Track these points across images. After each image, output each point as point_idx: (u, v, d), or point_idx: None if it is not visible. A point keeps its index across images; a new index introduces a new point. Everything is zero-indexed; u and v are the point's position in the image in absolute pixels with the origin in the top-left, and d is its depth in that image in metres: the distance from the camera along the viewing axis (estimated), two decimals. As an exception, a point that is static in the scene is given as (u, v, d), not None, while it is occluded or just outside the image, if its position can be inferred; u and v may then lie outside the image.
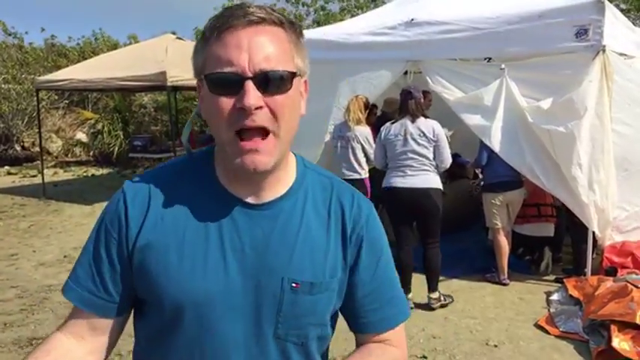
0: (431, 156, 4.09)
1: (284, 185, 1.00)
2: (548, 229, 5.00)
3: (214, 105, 0.89)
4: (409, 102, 4.18)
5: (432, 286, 4.20)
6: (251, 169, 0.90)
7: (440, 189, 4.13)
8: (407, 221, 4.20)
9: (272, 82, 0.88)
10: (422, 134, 4.08)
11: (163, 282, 0.94)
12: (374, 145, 4.86)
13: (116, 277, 0.98)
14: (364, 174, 4.90)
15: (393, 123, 4.25)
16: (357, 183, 4.80)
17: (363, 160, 4.86)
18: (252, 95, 0.86)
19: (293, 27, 0.94)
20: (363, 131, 4.84)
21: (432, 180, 4.09)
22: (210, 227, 0.96)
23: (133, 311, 1.05)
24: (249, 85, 0.87)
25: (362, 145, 4.82)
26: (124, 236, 0.96)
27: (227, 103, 0.88)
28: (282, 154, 0.95)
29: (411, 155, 4.08)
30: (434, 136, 4.08)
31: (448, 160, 4.17)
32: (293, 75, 0.92)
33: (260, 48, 0.88)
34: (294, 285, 0.96)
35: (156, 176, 1.01)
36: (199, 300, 0.94)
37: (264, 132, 0.89)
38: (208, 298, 0.94)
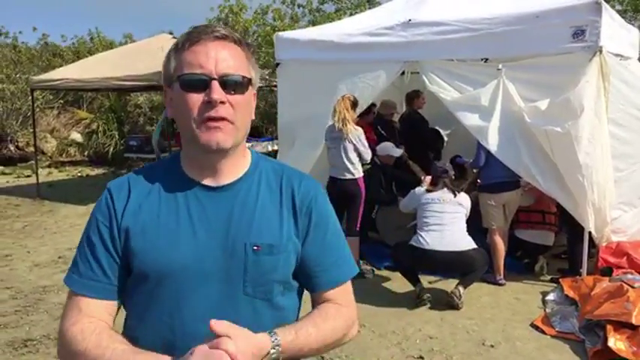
0: (464, 221, 4.39)
1: (240, 170, 1.22)
2: (548, 239, 5.01)
3: (185, 100, 1.12)
4: (445, 180, 4.51)
5: (464, 283, 4.31)
6: (214, 144, 1.11)
7: (479, 249, 4.33)
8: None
9: (232, 84, 1.12)
10: (460, 204, 4.39)
11: (144, 258, 1.13)
12: (366, 144, 4.86)
13: (111, 261, 1.16)
14: (357, 174, 4.87)
15: (429, 191, 4.48)
16: (351, 183, 4.80)
17: (356, 160, 4.83)
18: (218, 92, 1.10)
19: (248, 47, 1.19)
20: (354, 131, 4.79)
21: (468, 241, 4.28)
22: (181, 208, 1.17)
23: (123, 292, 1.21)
24: (215, 84, 1.10)
25: (354, 145, 4.78)
26: (114, 223, 1.16)
27: (196, 98, 1.11)
28: (238, 140, 1.17)
29: (447, 217, 4.31)
30: (469, 209, 4.43)
31: None
32: (249, 81, 1.16)
33: (224, 57, 1.12)
34: (255, 248, 1.15)
35: (134, 175, 1.24)
36: (177, 268, 1.13)
37: (224, 122, 1.12)
38: (184, 266, 1.13)
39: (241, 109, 1.14)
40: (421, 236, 4.26)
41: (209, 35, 1.13)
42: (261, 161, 1.27)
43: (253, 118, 1.22)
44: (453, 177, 4.70)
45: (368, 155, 4.90)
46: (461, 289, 4.19)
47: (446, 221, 4.28)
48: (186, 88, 1.12)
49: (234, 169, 1.21)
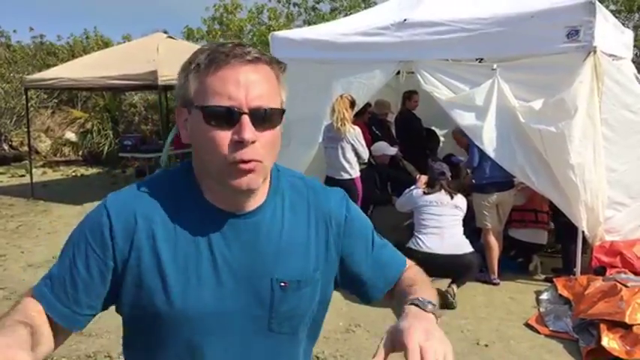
0: (461, 223, 4.43)
1: (263, 193, 1.07)
2: (542, 237, 5.04)
3: (209, 136, 0.96)
4: (442, 182, 4.50)
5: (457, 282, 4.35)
6: (245, 187, 0.98)
7: (475, 252, 4.41)
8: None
9: (264, 118, 0.97)
10: (457, 206, 4.41)
11: (161, 297, 1.00)
12: (364, 143, 4.87)
13: (89, 290, 1.00)
14: (354, 173, 4.88)
15: (426, 193, 4.47)
16: (347, 183, 4.79)
17: (353, 159, 4.85)
18: (249, 130, 0.94)
19: (279, 65, 1.04)
20: (352, 131, 4.81)
21: (467, 243, 4.35)
22: (200, 240, 1.02)
23: (123, 320, 1.09)
24: (247, 120, 0.94)
25: (352, 144, 4.80)
26: (110, 252, 1.00)
27: (223, 134, 0.95)
28: (266, 176, 1.05)
29: (446, 219, 4.34)
30: (465, 211, 4.45)
31: None
32: (282, 112, 1.01)
33: (256, 85, 0.96)
34: (282, 284, 1.05)
35: (138, 194, 1.05)
36: (197, 309, 1.01)
37: (255, 162, 0.97)
38: (206, 307, 1.01)
39: (271, 146, 0.99)
40: (420, 239, 4.27)
41: (239, 59, 0.96)
42: (282, 177, 1.13)
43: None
44: (450, 178, 4.70)
45: (366, 154, 4.92)
46: (454, 287, 4.21)
47: (444, 224, 4.30)
48: (212, 121, 0.95)
49: (258, 193, 1.06)
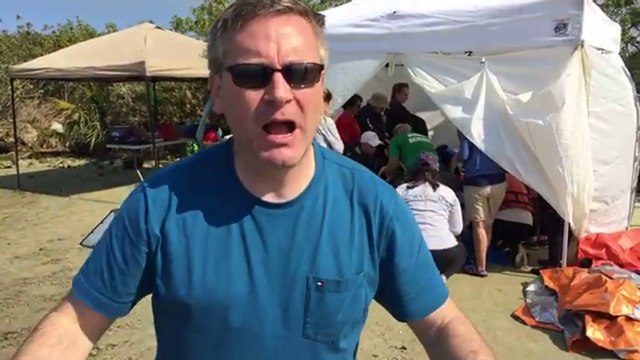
0: (447, 219, 4.40)
1: (305, 179, 0.99)
2: (526, 217, 5.09)
3: (239, 98, 0.87)
4: (426, 173, 4.49)
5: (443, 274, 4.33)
6: (280, 163, 0.88)
7: (460, 246, 4.43)
8: None
9: (300, 75, 0.86)
10: (442, 197, 4.40)
11: (188, 285, 0.94)
12: (338, 136, 4.82)
13: (126, 279, 0.97)
14: None
15: (410, 187, 4.44)
16: None
17: None
18: (283, 88, 0.84)
19: (317, 17, 0.92)
20: (324, 121, 4.74)
21: (452, 239, 4.38)
22: (233, 229, 0.95)
23: (153, 311, 1.05)
24: (279, 78, 0.85)
25: (324, 135, 4.73)
26: (143, 234, 0.95)
27: (254, 95, 0.86)
28: (307, 147, 0.93)
29: (430, 215, 4.33)
30: (452, 201, 4.41)
31: (459, 228, 4.49)
32: (320, 67, 0.90)
33: (288, 39, 0.85)
34: (319, 284, 0.96)
35: (175, 177, 0.99)
36: (225, 302, 0.94)
37: (291, 125, 0.88)
38: (234, 300, 0.94)
39: (311, 106, 0.89)
40: None
41: (268, 9, 0.85)
42: (327, 163, 1.03)
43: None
44: (438, 169, 4.67)
45: (339, 146, 4.82)
46: (444, 277, 4.23)
47: (428, 220, 4.30)
48: (241, 82, 0.86)
49: (300, 178, 0.98)
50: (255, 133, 0.87)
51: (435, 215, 4.34)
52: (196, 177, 0.99)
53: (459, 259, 4.42)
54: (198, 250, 0.94)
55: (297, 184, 0.97)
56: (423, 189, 4.41)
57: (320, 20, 0.93)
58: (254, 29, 0.85)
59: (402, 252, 1.03)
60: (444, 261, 4.24)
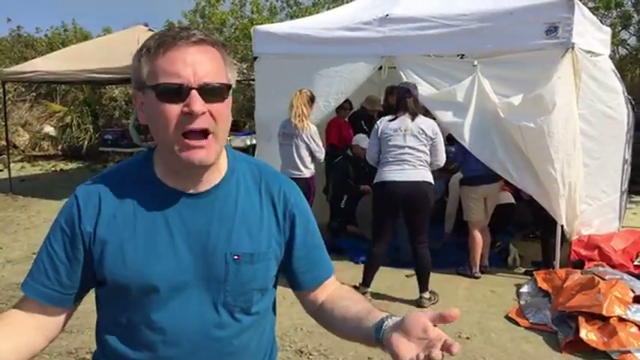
0: (427, 153, 4.19)
1: (217, 176, 1.17)
2: (507, 197, 5.16)
3: (163, 111, 1.04)
4: (407, 100, 4.26)
5: (424, 286, 4.24)
6: (197, 162, 1.07)
7: (433, 185, 4.23)
8: (393, 217, 4.24)
9: (213, 93, 1.05)
10: (421, 131, 4.16)
11: (122, 271, 1.10)
12: (320, 144, 4.74)
13: (70, 272, 1.13)
14: (308, 173, 4.70)
15: (391, 120, 4.27)
16: (301, 182, 4.45)
17: (307, 159, 4.66)
18: (199, 103, 1.03)
19: (224, 47, 1.12)
20: (309, 128, 4.64)
21: (427, 175, 4.18)
22: (158, 219, 1.12)
23: (97, 300, 1.20)
24: (196, 94, 1.03)
25: (307, 144, 4.64)
26: (78, 234, 1.12)
27: (175, 109, 1.04)
28: (220, 151, 1.12)
29: (409, 151, 4.14)
30: (433, 134, 4.17)
31: (442, 159, 4.29)
32: (229, 87, 1.10)
33: (202, 64, 1.05)
34: (235, 257, 1.14)
35: (103, 180, 1.17)
36: (156, 281, 1.10)
37: (205, 133, 1.06)
38: (164, 279, 1.11)
39: (222, 117, 1.08)
40: (383, 171, 4.20)
41: (185, 40, 1.04)
42: (237, 162, 1.22)
43: (231, 119, 1.18)
44: (417, 96, 4.39)
45: (320, 154, 4.74)
46: (425, 295, 4.23)
47: (406, 156, 4.14)
48: (164, 98, 1.04)
49: (214, 174, 1.16)
50: (175, 139, 1.05)
51: (414, 152, 4.14)
52: (121, 181, 1.16)
53: (429, 198, 4.19)
54: (128, 239, 1.11)
55: (210, 180, 1.15)
56: (403, 120, 4.21)
57: (227, 49, 1.15)
58: (174, 55, 1.04)
59: (300, 233, 1.23)
60: (416, 195, 4.12)
